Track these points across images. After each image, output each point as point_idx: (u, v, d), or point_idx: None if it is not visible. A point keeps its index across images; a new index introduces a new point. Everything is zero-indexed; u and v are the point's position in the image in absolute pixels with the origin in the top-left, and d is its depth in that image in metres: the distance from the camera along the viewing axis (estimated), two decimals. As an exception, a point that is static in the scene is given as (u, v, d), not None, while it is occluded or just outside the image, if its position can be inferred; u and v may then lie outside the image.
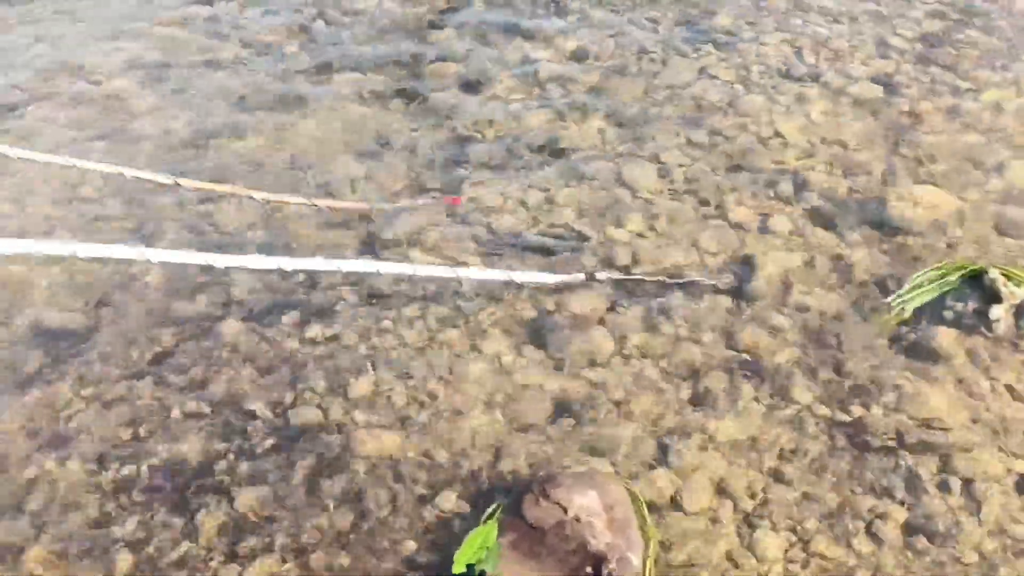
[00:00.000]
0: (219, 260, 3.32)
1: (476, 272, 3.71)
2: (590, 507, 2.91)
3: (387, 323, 3.70)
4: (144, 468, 3.29)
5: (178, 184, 3.92)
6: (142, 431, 3.40)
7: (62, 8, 6.20)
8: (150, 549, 3.04)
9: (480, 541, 2.93)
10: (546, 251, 3.99)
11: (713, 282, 3.72)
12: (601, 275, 3.76)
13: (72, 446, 3.34)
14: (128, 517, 3.13)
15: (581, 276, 3.75)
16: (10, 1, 6.31)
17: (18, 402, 3.47)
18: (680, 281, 3.74)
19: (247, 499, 3.17)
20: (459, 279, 3.73)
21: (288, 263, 3.57)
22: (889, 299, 3.58)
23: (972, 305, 3.48)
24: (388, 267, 3.71)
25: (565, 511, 2.90)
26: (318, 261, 3.69)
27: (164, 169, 4.26)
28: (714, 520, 2.97)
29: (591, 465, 3.13)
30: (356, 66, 5.38)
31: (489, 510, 2.99)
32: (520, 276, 3.72)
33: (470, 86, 5.14)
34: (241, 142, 4.81)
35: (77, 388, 3.54)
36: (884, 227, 3.92)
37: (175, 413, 3.45)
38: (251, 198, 4.10)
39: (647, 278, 3.76)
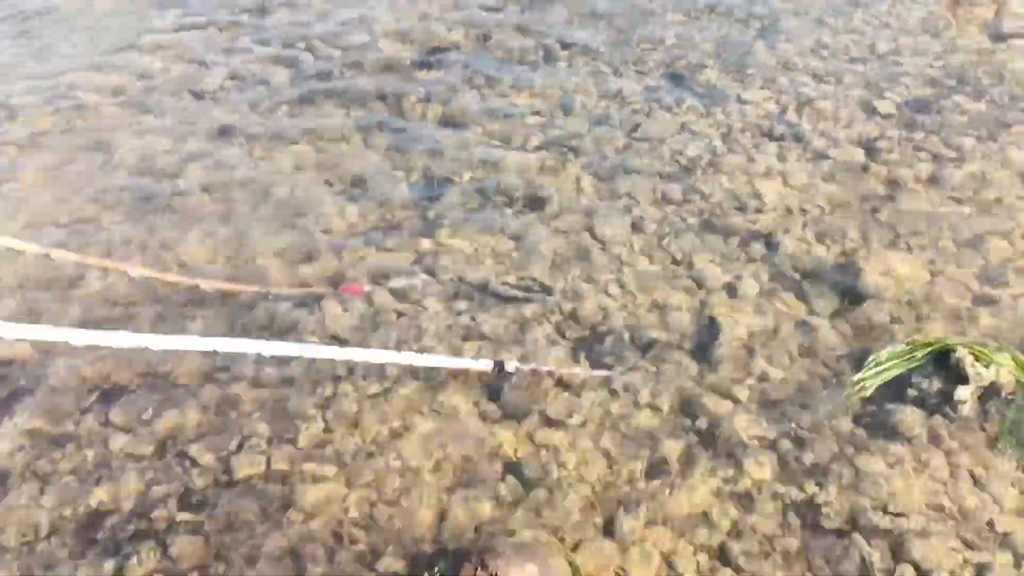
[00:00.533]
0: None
1: (374, 354, 3.49)
2: (528, 580, 2.82)
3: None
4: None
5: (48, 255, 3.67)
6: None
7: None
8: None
9: (414, 609, 2.83)
10: (510, 301, 3.92)
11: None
12: (510, 366, 3.53)
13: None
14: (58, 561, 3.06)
15: (490, 364, 3.51)
16: None
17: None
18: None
19: (183, 547, 3.08)
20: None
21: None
22: (854, 375, 3.50)
23: (937, 385, 3.39)
24: (272, 348, 3.19)
25: (502, 583, 2.82)
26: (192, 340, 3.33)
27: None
28: (657, 598, 2.87)
29: (536, 532, 3.04)
30: (340, 99, 5.34)
31: (424, 576, 2.90)
32: (419, 360, 3.45)
33: (451, 127, 5.10)
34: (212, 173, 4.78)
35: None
36: (854, 296, 3.84)
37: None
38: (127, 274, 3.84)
39: (554, 371, 3.59)
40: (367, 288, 3.97)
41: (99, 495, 3.26)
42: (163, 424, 3.47)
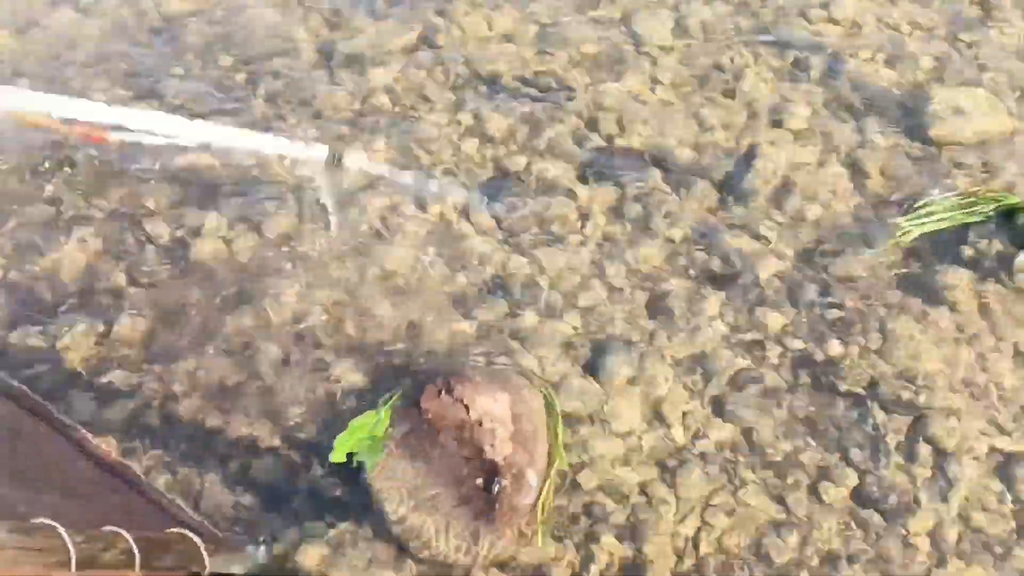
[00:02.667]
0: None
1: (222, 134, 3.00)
2: (496, 412, 2.50)
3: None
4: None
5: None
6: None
7: None
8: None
9: (367, 429, 2.55)
10: (522, 97, 3.42)
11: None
12: (348, 158, 2.97)
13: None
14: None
15: (324, 153, 2.90)
16: None
17: None
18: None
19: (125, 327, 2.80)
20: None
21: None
22: (899, 219, 3.04)
23: (998, 247, 2.93)
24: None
25: (468, 411, 2.52)
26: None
27: None
28: (638, 448, 2.57)
29: (515, 359, 2.72)
30: None
31: (387, 396, 2.60)
32: (243, 140, 2.96)
33: None
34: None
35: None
36: (918, 134, 3.29)
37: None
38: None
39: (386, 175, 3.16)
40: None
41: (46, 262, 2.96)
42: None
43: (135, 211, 3.07)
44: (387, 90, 3.45)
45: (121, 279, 2.90)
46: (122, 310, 2.82)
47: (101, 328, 2.77)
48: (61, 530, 1.68)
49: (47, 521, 1.69)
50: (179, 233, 3.02)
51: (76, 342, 2.74)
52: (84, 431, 2.38)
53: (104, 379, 2.69)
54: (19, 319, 2.81)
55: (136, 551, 1.83)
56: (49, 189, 3.13)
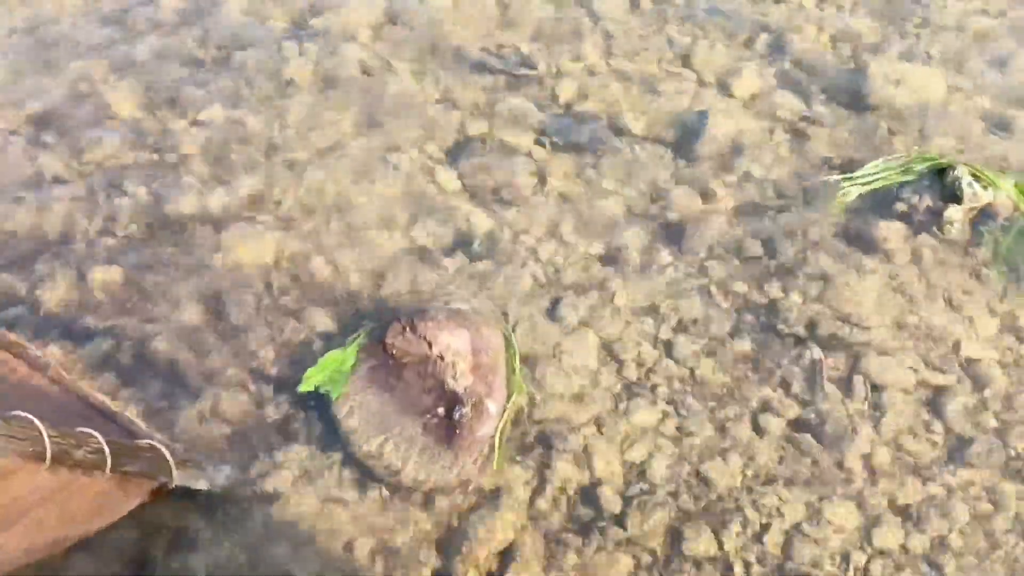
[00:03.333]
0: None
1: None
2: (457, 347, 2.64)
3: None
4: (-1, 232, 3.04)
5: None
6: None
7: None
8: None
9: (336, 364, 2.68)
10: (484, 69, 3.59)
11: None
12: None
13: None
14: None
15: None
16: None
17: None
18: None
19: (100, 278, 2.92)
20: None
21: None
22: (838, 177, 3.22)
23: (928, 202, 3.12)
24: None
25: (430, 347, 2.65)
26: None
27: None
28: (592, 383, 2.72)
29: (476, 304, 2.86)
30: None
31: (354, 335, 2.73)
32: None
33: None
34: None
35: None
36: (859, 102, 3.50)
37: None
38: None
39: None
40: None
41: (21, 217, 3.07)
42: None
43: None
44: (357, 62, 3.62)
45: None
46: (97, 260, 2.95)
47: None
48: (36, 422, 1.79)
49: (23, 414, 1.80)
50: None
51: (55, 287, 2.85)
52: (57, 366, 2.48)
53: (79, 322, 2.80)
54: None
55: (107, 451, 1.94)
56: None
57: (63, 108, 3.43)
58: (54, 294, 2.85)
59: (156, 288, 2.89)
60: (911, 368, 2.78)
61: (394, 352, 2.64)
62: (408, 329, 2.66)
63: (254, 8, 3.85)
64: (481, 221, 3.10)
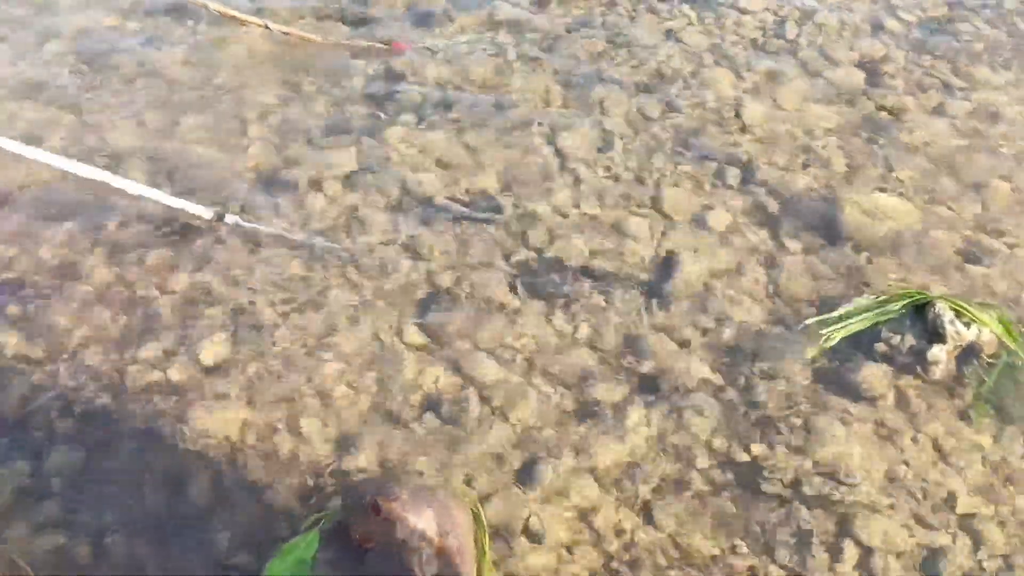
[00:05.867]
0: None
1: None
2: (423, 529, 2.52)
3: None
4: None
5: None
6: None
7: None
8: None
9: (298, 553, 2.56)
10: (453, 217, 3.55)
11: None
12: (230, 218, 3.47)
13: None
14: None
15: (209, 213, 3.46)
16: None
17: None
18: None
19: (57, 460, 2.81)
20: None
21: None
22: (819, 323, 3.15)
23: (911, 341, 3.04)
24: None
25: (395, 530, 2.53)
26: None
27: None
28: (568, 558, 2.59)
29: (445, 473, 2.75)
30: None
31: (313, 517, 2.62)
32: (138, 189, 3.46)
33: (419, 19, 4.63)
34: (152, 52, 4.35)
35: None
36: (832, 236, 3.46)
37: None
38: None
39: (286, 233, 3.45)
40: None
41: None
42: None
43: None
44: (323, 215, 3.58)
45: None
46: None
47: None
48: None
49: None
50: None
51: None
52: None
53: (36, 512, 2.69)
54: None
55: None
56: None
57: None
58: (8, 485, 2.74)
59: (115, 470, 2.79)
60: (904, 527, 2.65)
61: (357, 537, 2.51)
62: (372, 510, 2.54)
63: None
64: (449, 380, 3.02)
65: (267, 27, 4.34)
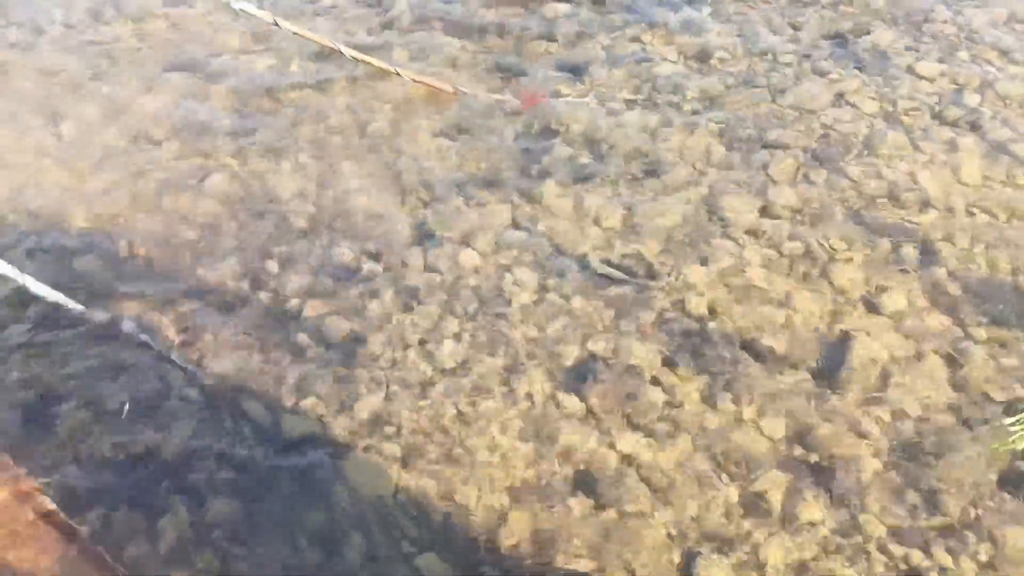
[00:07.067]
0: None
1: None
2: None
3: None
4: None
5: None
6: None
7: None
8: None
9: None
10: (609, 282, 3.46)
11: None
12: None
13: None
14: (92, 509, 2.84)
15: None
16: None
17: None
18: None
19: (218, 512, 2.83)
20: None
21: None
22: (1009, 421, 2.91)
23: (1117, 452, 2.78)
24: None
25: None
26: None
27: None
28: (734, 664, 2.44)
29: (600, 561, 2.64)
30: (455, 27, 4.89)
31: (463, 595, 2.55)
32: None
33: (570, 70, 4.58)
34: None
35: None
36: (1021, 325, 3.21)
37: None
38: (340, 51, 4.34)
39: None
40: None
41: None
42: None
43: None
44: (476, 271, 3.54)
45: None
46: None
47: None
48: None
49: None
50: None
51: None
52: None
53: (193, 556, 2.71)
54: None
55: None
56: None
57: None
58: (173, 528, 2.77)
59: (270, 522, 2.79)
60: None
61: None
62: (531, 595, 2.45)
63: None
64: (604, 455, 2.91)
65: (398, 74, 4.34)
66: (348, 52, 4.35)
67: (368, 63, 4.38)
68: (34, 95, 4.41)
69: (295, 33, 4.42)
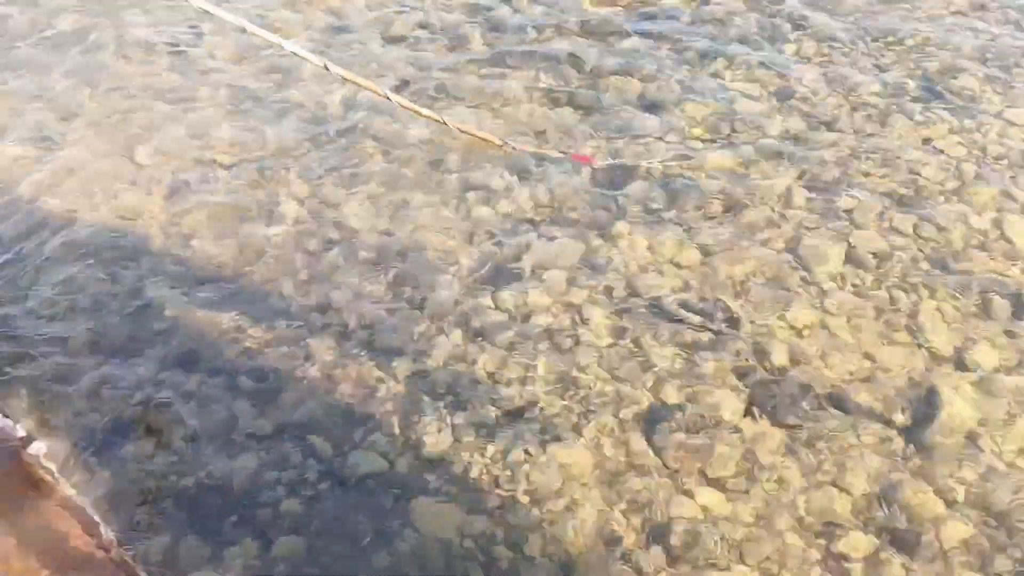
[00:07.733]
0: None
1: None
2: None
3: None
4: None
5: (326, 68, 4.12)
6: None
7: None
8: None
9: None
10: (683, 324, 3.37)
11: None
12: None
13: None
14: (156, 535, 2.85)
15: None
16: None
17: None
18: None
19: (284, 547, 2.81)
20: None
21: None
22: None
23: None
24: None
25: None
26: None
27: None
28: None
29: (675, 620, 2.55)
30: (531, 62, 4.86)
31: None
32: None
33: (648, 108, 4.52)
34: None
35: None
36: (1125, 390, 3.04)
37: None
38: (387, 98, 4.23)
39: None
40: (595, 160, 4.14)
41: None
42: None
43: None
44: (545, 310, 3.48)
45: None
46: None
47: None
48: None
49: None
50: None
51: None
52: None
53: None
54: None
55: None
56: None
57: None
58: (238, 561, 2.76)
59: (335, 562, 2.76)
60: None
61: None
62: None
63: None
64: (679, 507, 2.82)
65: (444, 123, 4.20)
66: (396, 99, 4.26)
67: (416, 112, 4.24)
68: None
69: (345, 80, 4.31)
